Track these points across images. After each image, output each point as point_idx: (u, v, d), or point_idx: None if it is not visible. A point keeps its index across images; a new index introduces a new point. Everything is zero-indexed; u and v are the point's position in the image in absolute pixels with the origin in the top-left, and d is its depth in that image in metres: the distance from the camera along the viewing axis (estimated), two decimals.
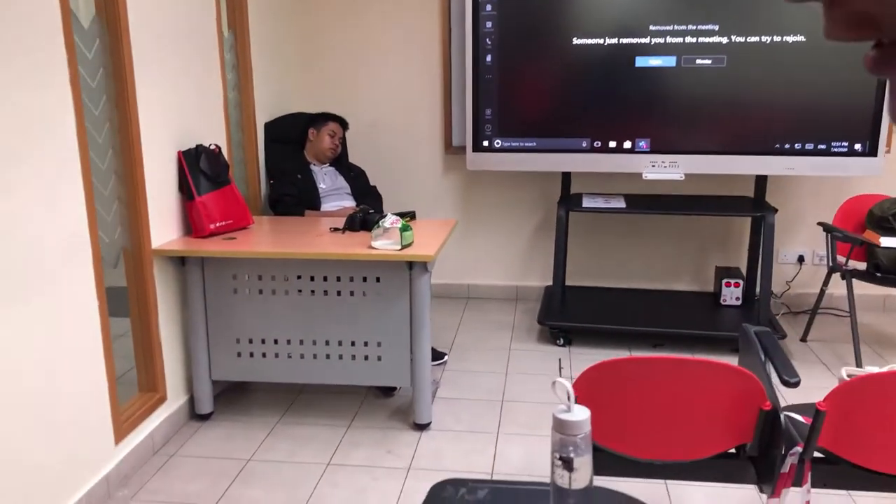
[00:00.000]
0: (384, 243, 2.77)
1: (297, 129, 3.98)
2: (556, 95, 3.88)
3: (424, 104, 4.44)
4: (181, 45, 3.01)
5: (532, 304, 4.52)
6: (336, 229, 3.13)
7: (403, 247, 2.77)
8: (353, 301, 2.90)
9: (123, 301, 2.79)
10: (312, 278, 2.91)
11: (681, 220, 4.40)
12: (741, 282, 3.96)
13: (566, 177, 4.14)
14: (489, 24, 3.88)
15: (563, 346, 3.81)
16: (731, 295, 3.97)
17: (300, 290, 2.93)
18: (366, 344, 2.93)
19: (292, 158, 3.91)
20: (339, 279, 2.90)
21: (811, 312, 3.83)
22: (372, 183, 4.08)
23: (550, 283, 4.55)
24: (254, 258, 2.87)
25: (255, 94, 3.80)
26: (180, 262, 2.98)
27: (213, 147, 3.10)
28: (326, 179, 3.88)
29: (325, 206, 3.79)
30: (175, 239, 2.98)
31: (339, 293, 2.91)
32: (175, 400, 3.00)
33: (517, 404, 3.16)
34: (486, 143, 4.01)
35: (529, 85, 3.90)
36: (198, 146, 3.02)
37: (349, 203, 3.86)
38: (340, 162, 4.03)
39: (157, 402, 2.87)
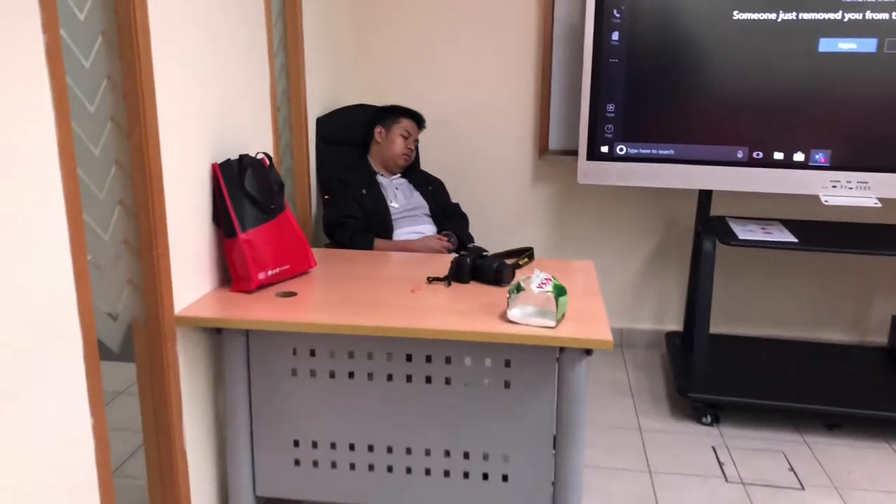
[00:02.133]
0: (529, 314, 1.82)
1: (358, 127, 3.02)
2: (705, 87, 2.91)
3: (512, 95, 3.47)
4: (212, 13, 2.05)
5: (643, 353, 3.57)
6: (435, 279, 2.18)
7: (558, 322, 1.82)
8: (468, 393, 1.96)
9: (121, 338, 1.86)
10: (409, 357, 1.97)
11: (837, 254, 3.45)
12: None
13: (704, 195, 3.18)
14: None
15: (709, 424, 2.87)
16: None
17: (390, 376, 1.99)
18: (485, 457, 1.99)
19: (354, 166, 2.95)
20: (448, 360, 1.95)
21: None
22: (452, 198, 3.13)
23: (669, 327, 3.61)
24: (324, 333, 1.92)
25: (306, 81, 2.83)
26: (215, 330, 2.03)
27: (261, 157, 2.14)
28: (399, 195, 2.92)
29: (400, 233, 2.83)
30: (208, 294, 2.03)
31: (447, 381, 1.97)
32: None
33: None
34: (604, 150, 3.05)
35: (670, 73, 2.93)
36: (242, 158, 2.07)
37: (428, 228, 2.90)
38: (414, 172, 3.07)
39: None
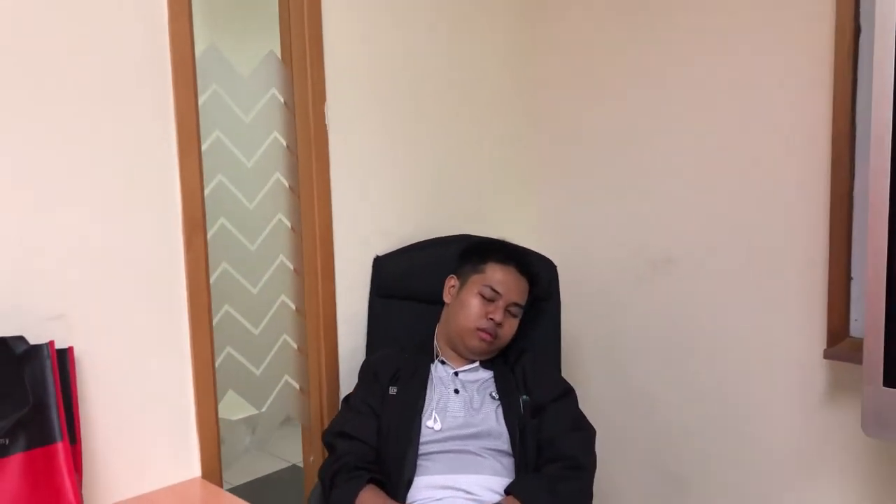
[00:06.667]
0: None
1: (436, 273, 1.79)
2: None
3: (780, 232, 1.81)
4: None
5: None
6: None
7: None
8: None
9: None
10: None
11: None
12: None
13: None
14: None
15: None
16: None
17: None
18: None
19: (403, 344, 1.73)
20: None
21: None
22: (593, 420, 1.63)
23: None
24: None
25: (333, 191, 1.74)
26: None
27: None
28: (452, 407, 1.58)
29: (425, 483, 1.49)
30: None
31: None
32: None
33: None
34: None
35: None
36: None
37: (487, 482, 1.48)
38: (511, 363, 1.68)
39: None
